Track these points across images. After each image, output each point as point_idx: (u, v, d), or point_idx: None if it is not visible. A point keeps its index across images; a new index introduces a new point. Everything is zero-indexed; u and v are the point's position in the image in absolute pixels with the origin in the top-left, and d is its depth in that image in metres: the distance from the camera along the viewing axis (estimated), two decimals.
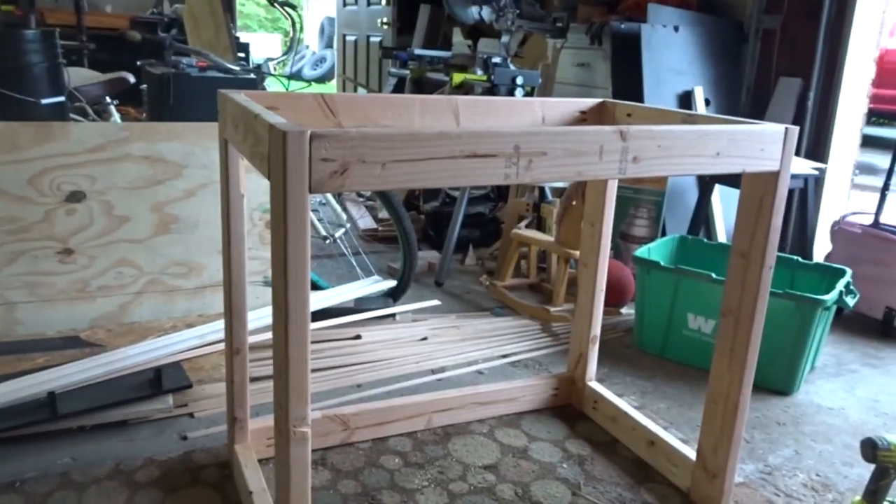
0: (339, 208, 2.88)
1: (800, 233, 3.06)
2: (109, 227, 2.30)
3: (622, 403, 1.95)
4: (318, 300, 2.48)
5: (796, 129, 1.40)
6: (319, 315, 2.42)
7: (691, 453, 1.69)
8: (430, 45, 5.31)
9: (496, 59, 3.22)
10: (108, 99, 3.39)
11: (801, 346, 2.18)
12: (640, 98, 3.12)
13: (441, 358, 2.31)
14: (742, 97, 3.42)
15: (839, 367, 2.46)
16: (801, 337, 2.17)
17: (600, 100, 1.85)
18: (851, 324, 2.79)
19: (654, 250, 2.55)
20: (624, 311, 2.79)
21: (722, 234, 3.15)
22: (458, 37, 5.08)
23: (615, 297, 2.72)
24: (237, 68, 3.04)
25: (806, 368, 2.28)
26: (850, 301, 2.27)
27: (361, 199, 4.23)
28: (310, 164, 1.01)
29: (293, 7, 3.18)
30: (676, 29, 3.25)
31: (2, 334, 2.21)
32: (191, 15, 4.74)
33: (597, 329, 2.02)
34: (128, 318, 2.37)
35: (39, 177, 2.19)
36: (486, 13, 3.43)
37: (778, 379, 2.23)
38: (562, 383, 2.08)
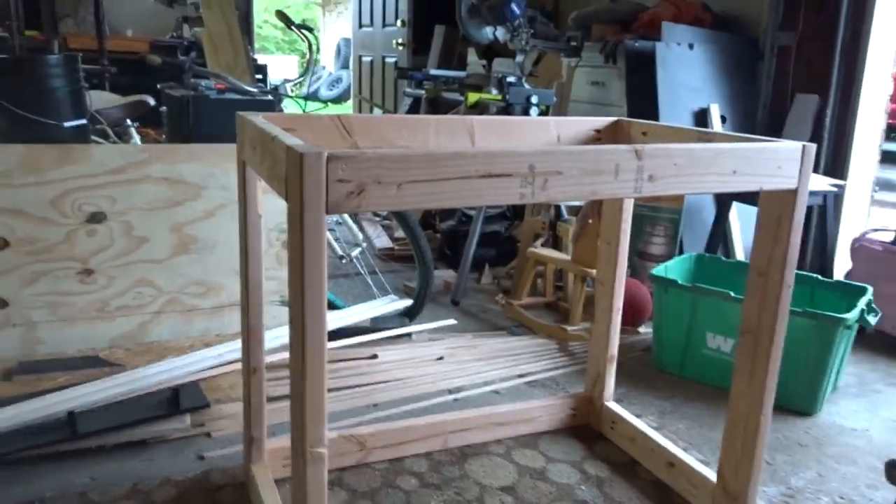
0: (355, 227, 2.89)
1: (820, 250, 3.03)
2: (129, 247, 2.33)
3: (641, 424, 1.93)
4: (334, 319, 2.49)
5: (814, 146, 1.39)
6: (336, 334, 2.43)
7: (712, 475, 1.66)
8: (445, 66, 5.35)
9: (511, 79, 3.24)
10: (128, 121, 3.45)
11: (823, 366, 2.15)
12: (655, 116, 3.12)
13: (457, 378, 2.30)
14: (758, 114, 3.40)
15: (862, 387, 2.42)
16: (822, 356, 2.14)
17: (615, 118, 1.85)
18: (873, 343, 2.75)
19: (672, 268, 2.53)
20: (642, 330, 2.77)
21: (740, 252, 3.13)
22: (472, 57, 5.11)
23: (633, 315, 2.70)
24: (255, 90, 3.08)
25: (828, 388, 2.24)
26: (872, 319, 2.24)
27: (378, 219, 4.25)
28: (326, 185, 1.02)
29: (310, 30, 3.22)
30: (691, 47, 3.25)
31: (23, 354, 2.23)
32: (209, 38, 4.81)
33: (614, 348, 2.00)
34: (147, 337, 2.39)
35: (61, 198, 2.22)
36: (501, 33, 3.46)
37: (799, 399, 2.19)
38: (579, 403, 2.06)
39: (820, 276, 2.47)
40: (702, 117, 3.26)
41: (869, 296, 2.29)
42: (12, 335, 2.23)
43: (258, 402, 1.63)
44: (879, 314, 2.30)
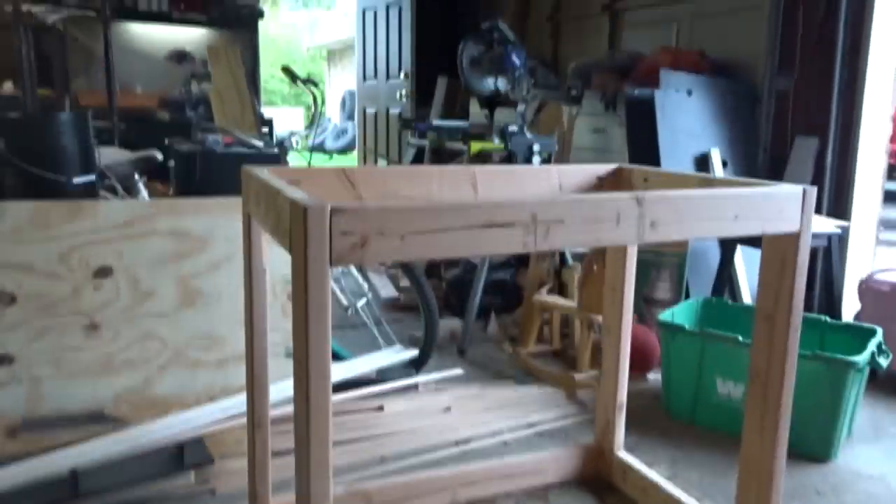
0: (360, 278, 2.89)
1: (827, 292, 3.01)
2: (135, 301, 2.34)
3: (653, 474, 1.89)
4: (340, 371, 2.47)
5: (814, 189, 1.40)
6: (342, 386, 2.41)
7: None
8: (447, 116, 5.43)
9: (513, 128, 3.28)
10: (136, 176, 3.50)
11: (836, 411, 2.11)
12: (656, 162, 3.14)
13: (465, 428, 2.27)
14: (759, 157, 3.43)
15: (877, 431, 2.37)
16: (835, 400, 2.11)
17: (617, 165, 1.86)
18: (887, 386, 2.70)
19: (679, 314, 2.52)
20: (650, 376, 2.74)
21: (747, 296, 3.11)
22: (474, 107, 5.19)
23: (641, 362, 2.68)
24: (261, 144, 3.13)
25: (842, 433, 2.20)
26: (884, 361, 2.21)
27: (383, 268, 4.26)
28: (330, 237, 1.03)
29: (315, 84, 3.29)
30: (689, 93, 3.30)
31: (28, 410, 2.22)
32: (217, 93, 4.91)
33: (623, 396, 1.98)
34: (151, 392, 2.38)
35: (69, 254, 2.24)
36: (502, 84, 3.52)
37: (814, 445, 2.15)
38: (589, 454, 2.02)
39: (828, 319, 2.45)
40: (703, 162, 3.29)
41: (879, 337, 2.26)
42: (17, 392, 2.22)
43: (263, 457, 1.61)
44: (891, 356, 2.27)
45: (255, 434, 1.60)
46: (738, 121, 3.42)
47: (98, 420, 2.17)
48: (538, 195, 1.68)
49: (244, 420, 2.12)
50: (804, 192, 1.38)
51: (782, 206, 1.36)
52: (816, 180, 3.15)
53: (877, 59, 3.06)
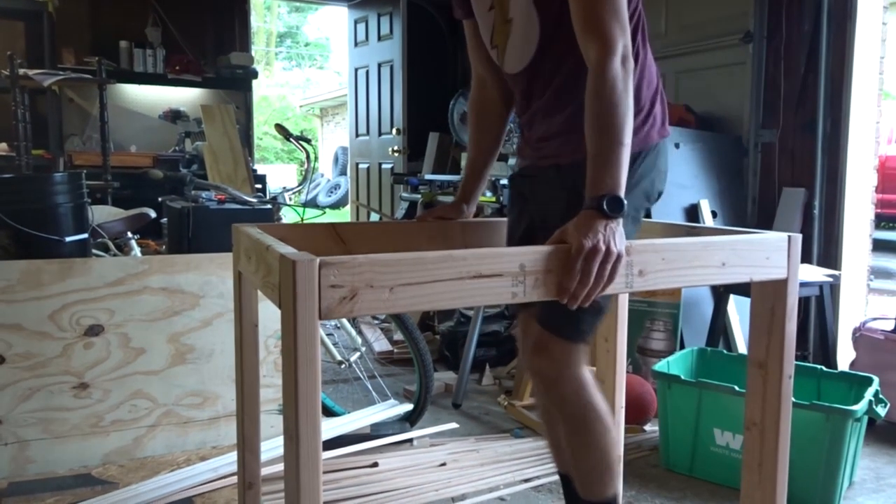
0: (353, 332, 2.88)
1: (821, 341, 3.01)
2: (126, 359, 2.32)
3: None
4: (333, 427, 2.44)
5: (799, 236, 1.42)
6: (335, 442, 2.37)
7: None
8: (439, 170, 5.50)
9: (504, 181, 3.32)
10: (129, 234, 3.51)
11: (836, 461, 2.09)
12: (646, 212, 3.17)
13: (461, 485, 2.23)
14: (748, 208, 3.47)
15: (879, 481, 2.34)
16: (834, 450, 2.08)
17: None
18: (886, 434, 2.68)
19: (674, 363, 2.51)
20: (647, 428, 2.71)
21: (741, 345, 3.10)
22: (465, 161, 5.26)
23: (637, 413, 2.65)
24: (254, 200, 3.15)
25: (844, 484, 2.17)
26: (881, 410, 2.19)
27: (376, 322, 4.24)
28: (319, 291, 1.03)
29: (307, 141, 3.33)
30: (677, 146, 3.35)
31: (13, 474, 2.17)
32: (211, 150, 4.97)
33: (620, 449, 1.95)
34: (141, 452, 2.33)
35: (59, 312, 2.23)
36: None
37: (815, 497, 2.12)
38: None
39: (824, 368, 2.44)
40: (693, 212, 3.32)
41: (875, 386, 2.25)
42: (3, 455, 2.18)
43: None
44: (888, 405, 2.25)
45: (245, 495, 1.57)
46: (726, 173, 3.47)
47: (85, 483, 2.13)
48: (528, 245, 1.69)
49: (236, 479, 2.08)
50: (789, 239, 1.40)
51: (769, 253, 1.38)
52: (805, 230, 3.19)
53: (858, 111, 3.13)
